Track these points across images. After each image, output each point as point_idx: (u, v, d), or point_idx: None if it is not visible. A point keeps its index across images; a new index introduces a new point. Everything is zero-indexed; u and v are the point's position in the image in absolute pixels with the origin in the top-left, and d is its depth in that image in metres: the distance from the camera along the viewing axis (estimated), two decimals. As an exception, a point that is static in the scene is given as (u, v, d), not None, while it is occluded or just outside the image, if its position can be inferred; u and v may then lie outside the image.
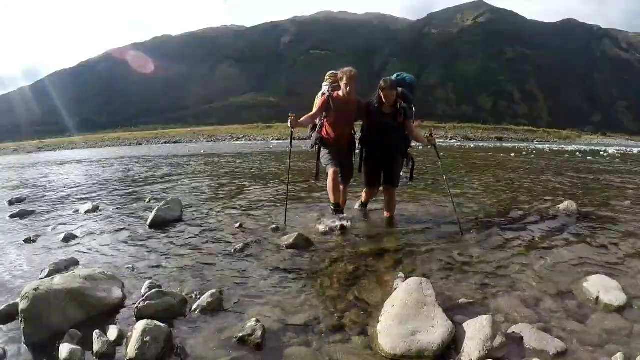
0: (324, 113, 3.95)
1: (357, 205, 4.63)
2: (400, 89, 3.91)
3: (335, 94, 3.90)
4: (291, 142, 4.41)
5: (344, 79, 3.75)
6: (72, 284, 2.22)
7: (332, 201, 4.00)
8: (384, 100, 3.81)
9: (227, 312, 2.23)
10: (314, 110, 3.98)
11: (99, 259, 3.17)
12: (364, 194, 4.51)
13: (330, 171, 3.91)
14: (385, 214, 4.22)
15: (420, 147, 3.95)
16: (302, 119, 3.90)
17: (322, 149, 4.08)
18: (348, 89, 3.77)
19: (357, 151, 4.22)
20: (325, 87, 4.05)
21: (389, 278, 2.66)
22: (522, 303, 2.31)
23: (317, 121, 4.10)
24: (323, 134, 4.05)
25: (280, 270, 2.85)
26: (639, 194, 6.12)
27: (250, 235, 3.73)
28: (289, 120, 3.81)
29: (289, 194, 4.40)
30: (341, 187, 4.11)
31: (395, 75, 4.14)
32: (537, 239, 3.61)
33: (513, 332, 1.95)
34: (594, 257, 3.13)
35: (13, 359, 1.83)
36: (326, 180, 3.98)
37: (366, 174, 4.17)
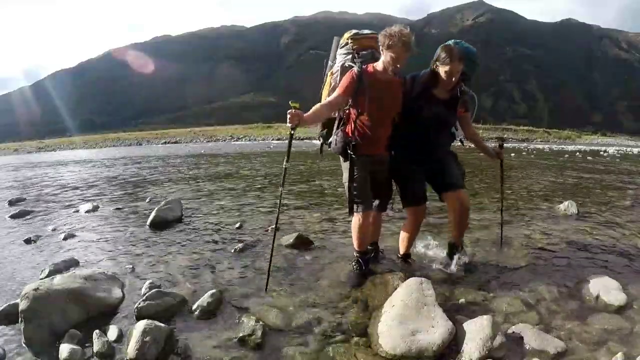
0: (350, 100, 2.46)
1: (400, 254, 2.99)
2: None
3: (370, 68, 2.42)
4: (290, 146, 2.52)
5: (394, 43, 2.24)
6: (72, 284, 2.22)
7: (357, 248, 2.73)
8: (442, 79, 2.42)
9: (227, 312, 2.23)
10: (336, 93, 2.43)
11: (99, 259, 3.17)
12: (404, 232, 2.89)
13: (358, 216, 2.57)
14: (453, 233, 2.83)
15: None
16: (310, 112, 2.35)
17: (349, 161, 2.53)
18: (398, 65, 2.31)
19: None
20: (340, 59, 2.56)
21: (389, 278, 2.65)
22: (522, 303, 2.30)
23: (335, 114, 2.60)
24: (349, 134, 2.53)
25: (280, 270, 2.85)
26: (639, 194, 6.12)
27: (250, 236, 3.74)
28: (289, 117, 2.22)
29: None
30: (372, 219, 2.72)
31: (451, 42, 2.50)
32: (536, 239, 3.61)
33: (513, 332, 1.95)
34: (594, 257, 3.13)
35: (13, 359, 1.83)
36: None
37: (404, 189, 2.74)
